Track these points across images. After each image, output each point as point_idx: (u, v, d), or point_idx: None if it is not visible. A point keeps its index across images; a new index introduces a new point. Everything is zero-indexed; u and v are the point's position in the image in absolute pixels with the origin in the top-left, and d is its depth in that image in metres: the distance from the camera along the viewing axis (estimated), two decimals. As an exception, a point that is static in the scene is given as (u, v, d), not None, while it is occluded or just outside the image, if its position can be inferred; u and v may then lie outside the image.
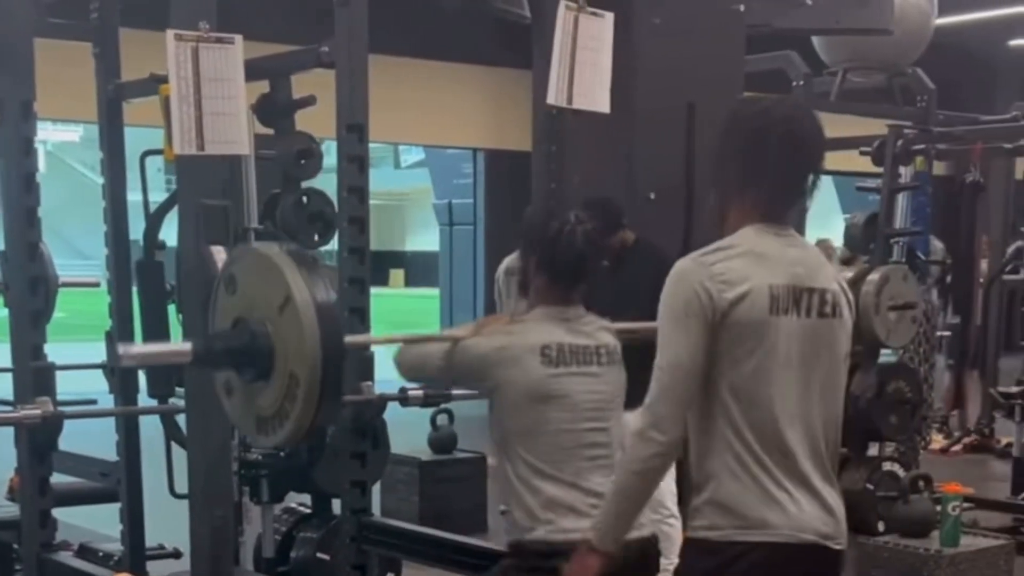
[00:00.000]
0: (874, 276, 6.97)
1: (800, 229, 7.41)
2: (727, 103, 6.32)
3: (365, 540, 4.58)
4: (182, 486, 4.17)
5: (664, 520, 6.04)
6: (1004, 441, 10.27)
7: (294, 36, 5.28)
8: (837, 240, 10.62)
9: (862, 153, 7.70)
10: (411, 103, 14.83)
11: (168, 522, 4.77)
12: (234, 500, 4.51)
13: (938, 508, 6.31)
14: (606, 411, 3.89)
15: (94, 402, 5.31)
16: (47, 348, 5.08)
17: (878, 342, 6.98)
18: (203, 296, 3.82)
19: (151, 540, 5.16)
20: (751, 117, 3.25)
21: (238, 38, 3.79)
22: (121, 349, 3.50)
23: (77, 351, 6.02)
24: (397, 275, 43.76)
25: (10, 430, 4.99)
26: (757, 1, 6.92)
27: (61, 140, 40.77)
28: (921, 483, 6.59)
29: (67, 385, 5.17)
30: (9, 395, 5.10)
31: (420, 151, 30.49)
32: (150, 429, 5.05)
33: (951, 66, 12.44)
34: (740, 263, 3.13)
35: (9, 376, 5.10)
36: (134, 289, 5.02)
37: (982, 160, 8.71)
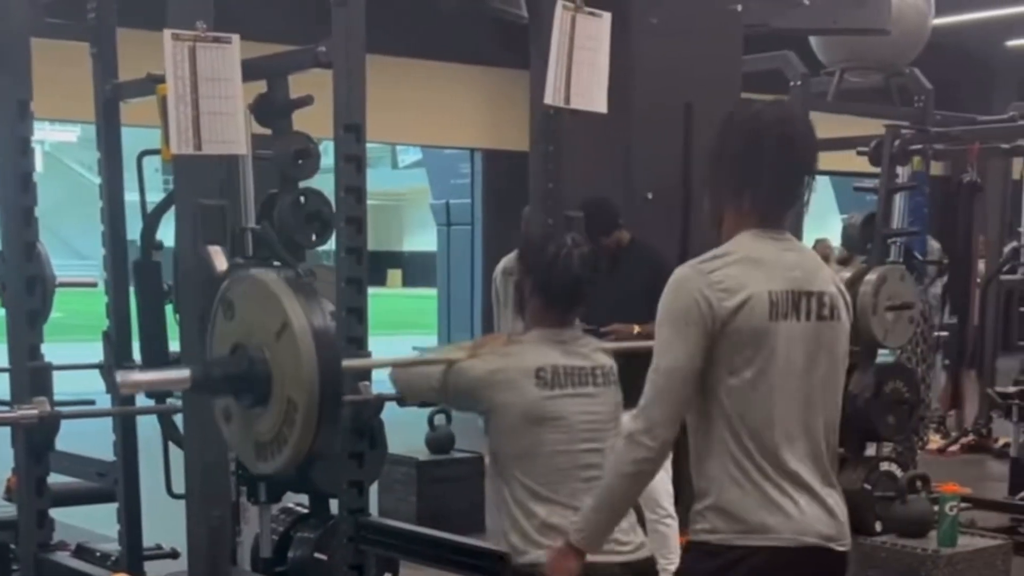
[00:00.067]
0: (871, 276, 6.97)
1: (797, 230, 7.45)
2: (725, 103, 6.34)
3: (363, 540, 4.58)
4: (179, 486, 4.16)
5: (661, 520, 6.05)
6: (1002, 441, 10.27)
7: (291, 36, 5.28)
8: (834, 240, 10.64)
9: (859, 153, 7.69)
10: (409, 103, 14.84)
11: (165, 522, 4.76)
12: (231, 500, 4.51)
13: (936, 508, 6.31)
14: (602, 432, 3.90)
15: (91, 402, 5.30)
16: (44, 348, 5.08)
17: (875, 342, 6.98)
18: (200, 296, 3.83)
19: (148, 540, 5.15)
20: (744, 121, 3.26)
21: (235, 38, 3.79)
22: (120, 377, 3.51)
23: (74, 351, 6.01)
24: (395, 275, 43.82)
25: (7, 430, 4.99)
26: (755, 1, 6.92)
27: (58, 140, 40.80)
28: (919, 483, 6.59)
29: (64, 385, 5.16)
30: (6, 395, 5.10)
31: (418, 151, 30.51)
32: (147, 429, 5.05)
33: (949, 66, 12.45)
34: (738, 270, 3.14)
35: (6, 376, 5.09)
36: (131, 289, 5.02)
37: (979, 160, 8.70)
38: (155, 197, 4.87)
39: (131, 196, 4.99)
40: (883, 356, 7.42)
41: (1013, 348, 9.58)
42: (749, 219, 3.23)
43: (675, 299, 3.15)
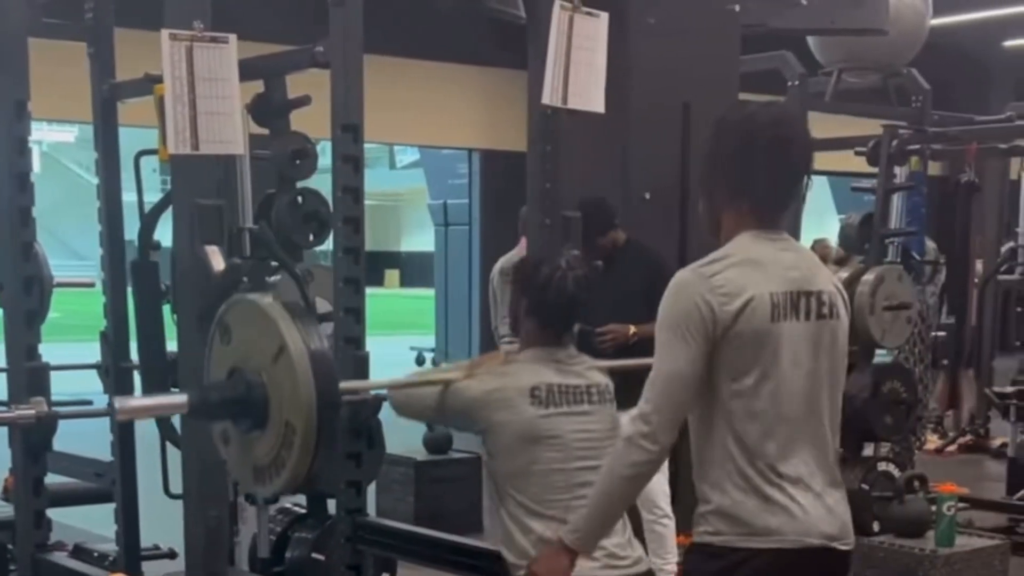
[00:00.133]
0: (869, 276, 6.97)
1: (795, 230, 7.44)
2: (722, 103, 6.34)
3: (360, 540, 4.58)
4: (177, 486, 4.16)
5: (658, 520, 6.06)
6: (999, 441, 10.27)
7: (289, 36, 5.28)
8: (832, 240, 10.63)
9: (857, 153, 7.70)
10: (406, 103, 14.83)
11: (163, 522, 4.76)
12: (229, 500, 4.51)
13: (933, 508, 6.32)
14: (598, 449, 3.90)
15: (89, 402, 5.30)
16: (42, 348, 5.08)
17: (873, 342, 6.98)
18: (198, 296, 3.82)
19: (146, 540, 5.14)
20: (739, 123, 3.25)
21: (232, 38, 3.79)
22: (117, 403, 3.51)
23: (72, 351, 6.00)
24: (392, 275, 43.82)
25: (4, 430, 4.99)
26: (752, 1, 6.92)
27: (56, 140, 40.79)
28: (916, 483, 6.59)
29: (62, 385, 5.16)
30: (3, 395, 5.10)
31: (415, 151, 30.46)
32: (145, 429, 5.04)
33: (946, 66, 12.46)
34: (738, 272, 3.13)
35: (3, 376, 5.09)
36: (129, 289, 5.01)
37: (977, 160, 8.71)
38: (153, 197, 4.86)
39: (129, 196, 4.99)
40: (880, 356, 7.43)
41: (1011, 348, 9.57)
42: (747, 221, 3.23)
43: (676, 303, 3.14)
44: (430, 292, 20.74)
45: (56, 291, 5.53)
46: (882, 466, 6.79)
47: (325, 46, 4.32)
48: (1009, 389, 8.42)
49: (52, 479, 5.16)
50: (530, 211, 4.63)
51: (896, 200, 7.44)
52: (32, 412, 4.84)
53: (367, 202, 4.59)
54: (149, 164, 4.80)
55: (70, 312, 13.43)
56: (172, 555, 5.30)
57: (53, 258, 5.53)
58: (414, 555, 4.63)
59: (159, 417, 4.89)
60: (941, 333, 9.02)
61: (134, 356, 5.01)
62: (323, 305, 4.45)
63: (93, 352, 5.20)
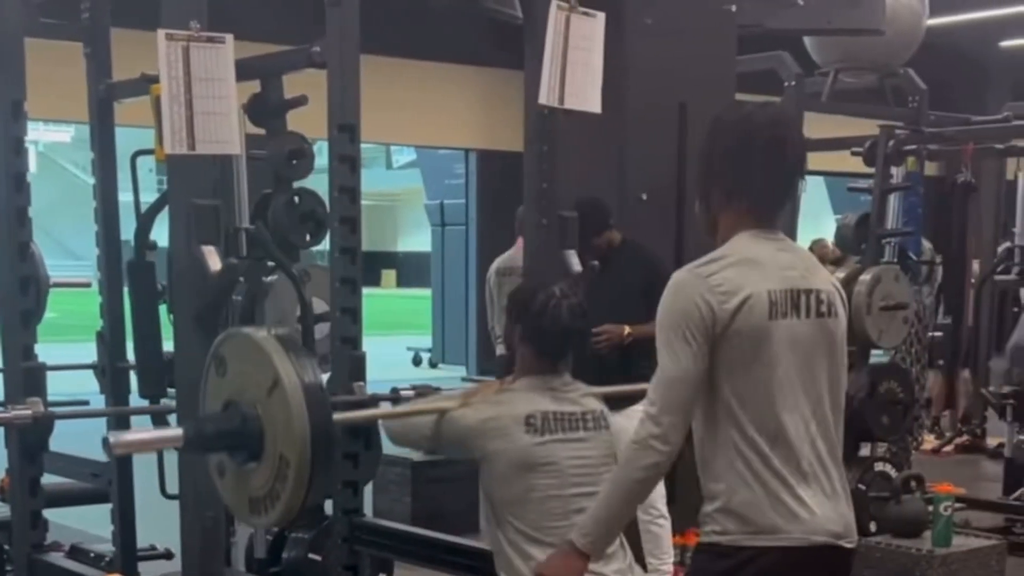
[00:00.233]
0: (866, 276, 6.98)
1: (792, 230, 7.43)
2: (719, 103, 6.34)
3: (357, 541, 4.58)
4: (173, 487, 4.16)
5: (654, 521, 6.05)
6: (996, 442, 10.28)
7: (285, 36, 5.29)
8: (830, 241, 10.62)
9: (854, 153, 7.70)
10: (403, 103, 14.83)
11: (159, 523, 4.76)
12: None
13: (930, 508, 6.32)
14: (594, 476, 3.92)
15: (85, 403, 5.30)
16: (38, 348, 5.08)
17: (870, 342, 6.99)
18: (195, 296, 3.82)
19: (142, 541, 5.15)
20: (734, 124, 3.26)
21: (229, 38, 3.79)
22: (112, 438, 3.50)
23: (68, 351, 6.01)
24: (389, 276, 43.79)
25: (1, 430, 4.99)
26: (749, 1, 6.92)
27: (52, 140, 40.78)
28: (913, 483, 6.60)
29: (58, 385, 5.16)
30: (0, 395, 5.10)
31: (412, 151, 30.48)
32: (141, 430, 5.04)
33: (943, 67, 12.46)
34: (736, 272, 3.14)
35: (0, 376, 5.09)
36: (125, 289, 5.01)
37: (973, 161, 8.71)
38: (149, 197, 4.86)
39: (125, 196, 4.99)
40: (877, 356, 7.43)
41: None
42: (744, 221, 3.24)
43: (674, 304, 3.15)
44: (427, 292, 20.74)
45: (52, 291, 5.51)
46: (879, 466, 6.80)
47: (322, 46, 4.32)
48: (1006, 389, 8.42)
49: (48, 479, 5.16)
50: (527, 211, 4.63)
51: (892, 200, 7.45)
52: (28, 412, 4.83)
53: (364, 202, 4.59)
54: (145, 164, 4.80)
55: (66, 312, 13.45)
56: (168, 556, 5.30)
57: (49, 258, 5.52)
58: (411, 556, 4.63)
59: (156, 417, 4.90)
60: (938, 333, 9.02)
61: (130, 356, 5.01)
62: (320, 305, 4.46)
63: (89, 352, 5.20)
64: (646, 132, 6.65)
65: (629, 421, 6.06)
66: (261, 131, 4.44)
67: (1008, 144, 8.74)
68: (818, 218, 22.56)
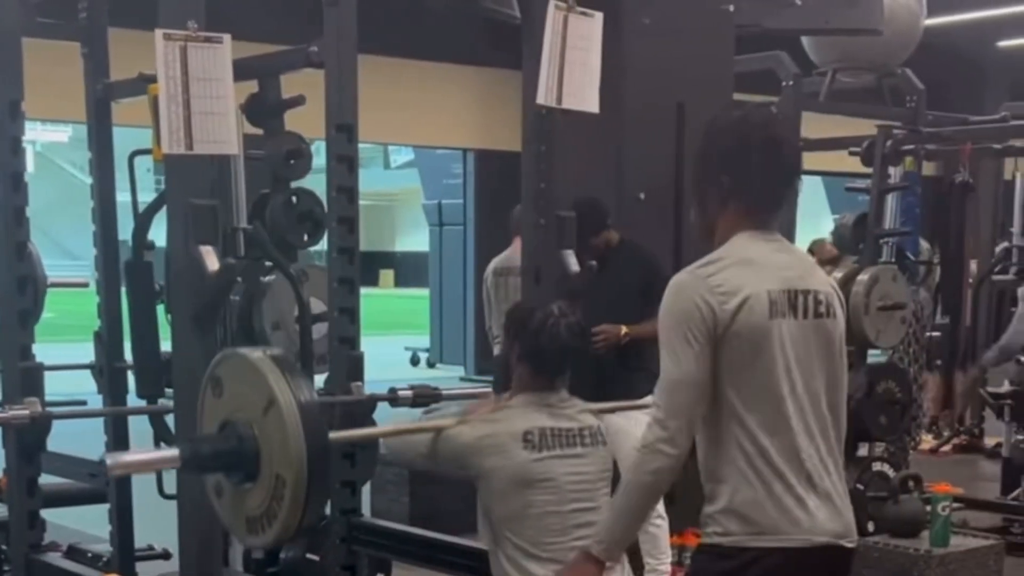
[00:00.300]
0: (863, 276, 6.98)
1: (790, 230, 7.42)
2: (717, 103, 6.34)
3: (355, 541, 4.57)
4: (171, 487, 4.15)
5: (651, 521, 6.05)
6: (993, 441, 10.28)
7: (283, 36, 5.28)
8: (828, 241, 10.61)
9: (851, 153, 7.71)
10: (401, 103, 14.83)
11: (157, 523, 4.76)
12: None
13: (928, 508, 6.32)
14: (591, 491, 3.94)
15: (83, 403, 5.29)
16: (35, 348, 5.08)
17: (868, 342, 6.99)
18: (192, 296, 3.82)
19: (140, 541, 5.15)
20: (729, 126, 3.27)
21: (227, 38, 3.78)
22: (109, 459, 3.51)
23: (66, 351, 6.00)
24: (387, 275, 43.75)
25: (-1, 431, 4.98)
26: (747, 1, 6.92)
27: (50, 140, 40.72)
28: (911, 483, 6.60)
29: (56, 385, 5.16)
30: (-3, 396, 5.09)
31: (410, 151, 30.49)
32: (139, 429, 5.04)
33: (940, 67, 12.46)
34: (735, 272, 3.15)
35: (-3, 376, 5.09)
36: (123, 289, 5.01)
37: (971, 160, 8.72)
38: (147, 197, 4.86)
39: (123, 196, 4.99)
40: (875, 356, 7.43)
41: (1005, 348, 9.56)
42: (742, 222, 3.24)
43: (675, 305, 3.15)
44: (425, 292, 20.73)
45: (50, 291, 5.52)
46: (877, 466, 6.80)
47: (319, 46, 4.32)
48: (1004, 389, 8.42)
49: (46, 479, 5.15)
50: (525, 211, 4.63)
51: (890, 200, 7.45)
52: (26, 412, 4.83)
53: (362, 202, 4.58)
54: (143, 164, 4.80)
55: (64, 312, 13.43)
56: (166, 556, 5.30)
57: (47, 258, 5.52)
58: (409, 555, 4.63)
59: (153, 417, 4.89)
60: (936, 333, 9.02)
61: (128, 356, 5.01)
62: (318, 305, 4.45)
63: (87, 352, 5.20)
64: (644, 132, 6.64)
65: (627, 421, 6.10)
66: (259, 131, 4.44)
67: (1006, 144, 8.75)
68: (816, 218, 22.56)
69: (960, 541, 6.40)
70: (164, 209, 4.07)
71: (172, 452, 3.48)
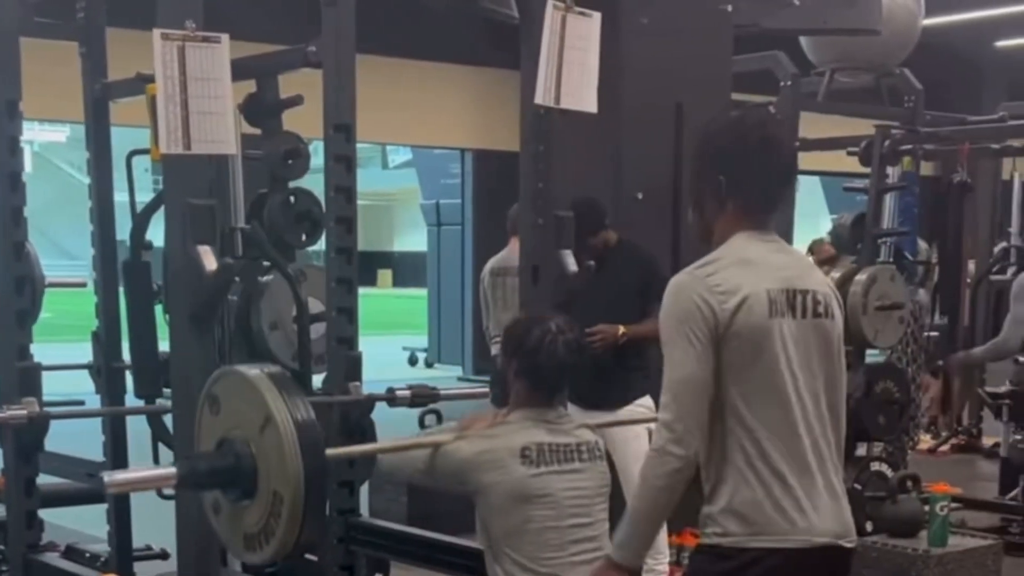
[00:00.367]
0: (862, 276, 6.98)
1: (788, 230, 7.41)
2: (715, 103, 6.34)
3: (353, 541, 4.57)
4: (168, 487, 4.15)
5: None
6: (991, 441, 10.28)
7: (281, 36, 5.27)
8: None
9: (849, 153, 7.70)
10: (399, 103, 14.82)
11: (155, 523, 4.75)
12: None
13: (926, 508, 6.32)
14: (589, 506, 3.96)
15: (81, 403, 5.29)
16: (33, 348, 5.07)
17: (866, 342, 6.99)
18: (190, 296, 3.82)
19: (138, 541, 5.14)
20: (725, 129, 3.28)
21: (225, 37, 3.78)
22: (106, 477, 3.51)
23: (64, 351, 6.00)
24: (385, 275, 43.74)
25: (-4, 430, 4.97)
26: (745, 1, 6.92)
27: (48, 140, 40.69)
28: (909, 483, 6.60)
29: (53, 385, 5.15)
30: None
31: (408, 151, 30.47)
32: (137, 430, 5.04)
33: (938, 67, 12.47)
34: (733, 272, 3.16)
35: (-5, 376, 5.08)
36: (121, 289, 5.01)
37: (969, 160, 8.72)
38: (145, 197, 4.86)
39: (121, 196, 4.98)
40: (873, 356, 7.43)
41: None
42: (739, 223, 3.25)
43: (675, 306, 3.15)
44: (423, 292, 20.73)
45: (48, 291, 5.51)
46: (875, 466, 6.79)
47: (317, 46, 4.32)
48: (1002, 389, 8.42)
49: (44, 479, 5.15)
50: (523, 211, 4.63)
51: (888, 200, 7.45)
52: (24, 412, 4.83)
53: (360, 202, 4.58)
54: (141, 164, 4.80)
55: (62, 312, 13.42)
56: (164, 556, 5.29)
57: (45, 258, 5.52)
58: (407, 555, 4.62)
59: (151, 417, 4.89)
60: (934, 333, 9.02)
61: (126, 356, 5.01)
62: (316, 305, 4.45)
63: (85, 352, 5.20)
64: (642, 132, 6.64)
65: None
66: (257, 131, 4.43)
67: (1004, 144, 8.75)
68: (814, 218, 22.57)
69: (958, 541, 6.40)
70: (162, 209, 4.06)
71: (169, 470, 3.50)
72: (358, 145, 4.54)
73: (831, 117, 9.26)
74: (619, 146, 6.66)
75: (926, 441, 10.80)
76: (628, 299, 6.09)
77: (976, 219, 10.11)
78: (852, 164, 7.80)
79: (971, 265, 9.84)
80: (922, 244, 9.41)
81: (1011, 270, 8.92)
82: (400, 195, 40.17)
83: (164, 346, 4.31)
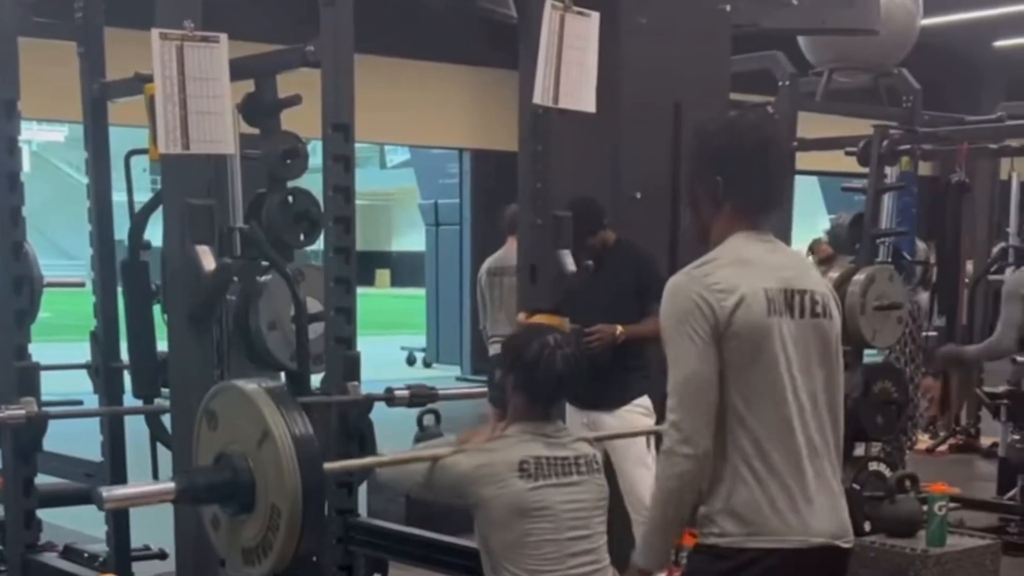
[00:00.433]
0: (860, 276, 6.97)
1: (786, 230, 7.41)
2: (713, 103, 6.34)
3: (352, 541, 4.57)
4: (167, 486, 4.15)
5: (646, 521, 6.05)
6: (990, 441, 10.28)
7: (279, 35, 5.27)
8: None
9: (848, 153, 7.69)
10: (397, 103, 14.82)
11: (153, 523, 4.75)
12: (219, 501, 4.50)
13: (924, 508, 6.32)
14: (588, 519, 3.96)
15: (79, 402, 5.29)
16: (32, 348, 5.07)
17: (864, 342, 6.98)
18: (189, 296, 3.82)
19: (136, 541, 5.14)
20: (719, 131, 3.30)
21: (223, 37, 3.78)
22: (104, 493, 3.51)
23: (62, 351, 6.00)
24: (383, 275, 43.74)
25: (-6, 430, 4.97)
26: (743, 1, 6.92)
27: (46, 140, 40.69)
28: (907, 483, 6.60)
29: (52, 385, 5.15)
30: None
31: (406, 151, 30.48)
32: (135, 429, 5.03)
33: (936, 67, 12.47)
34: (730, 272, 3.16)
35: (-6, 376, 5.08)
36: (119, 289, 5.01)
37: (967, 160, 8.71)
38: (143, 197, 4.86)
39: (119, 196, 4.99)
40: (871, 356, 7.43)
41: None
42: (736, 223, 3.26)
43: (674, 305, 3.15)
44: (421, 292, 20.73)
45: (46, 291, 5.52)
46: (873, 466, 6.79)
47: (316, 46, 4.32)
48: (1000, 389, 8.42)
49: (42, 479, 5.15)
50: (521, 211, 4.63)
51: (886, 200, 7.44)
52: (22, 412, 4.83)
53: (358, 202, 4.58)
54: (139, 164, 4.80)
55: (60, 312, 13.43)
56: (162, 556, 5.29)
57: (43, 258, 5.52)
58: (405, 555, 4.62)
59: (149, 417, 4.89)
60: (932, 333, 9.02)
61: (124, 356, 5.01)
62: (314, 305, 4.45)
63: (83, 352, 5.19)
64: (640, 132, 6.63)
65: (622, 423, 6.09)
66: (255, 131, 4.43)
67: (1002, 144, 8.74)
68: (812, 218, 22.56)
69: (956, 541, 6.40)
70: (160, 209, 4.06)
71: (167, 485, 3.51)
72: (356, 145, 4.55)
73: (829, 117, 9.26)
74: (617, 146, 6.64)
75: (924, 441, 10.81)
76: (626, 299, 6.09)
77: (974, 219, 10.10)
78: (850, 164, 7.80)
79: (969, 265, 9.83)
80: (920, 244, 9.41)
81: (1009, 270, 8.89)
82: (398, 195, 40.17)
83: (162, 346, 4.31)
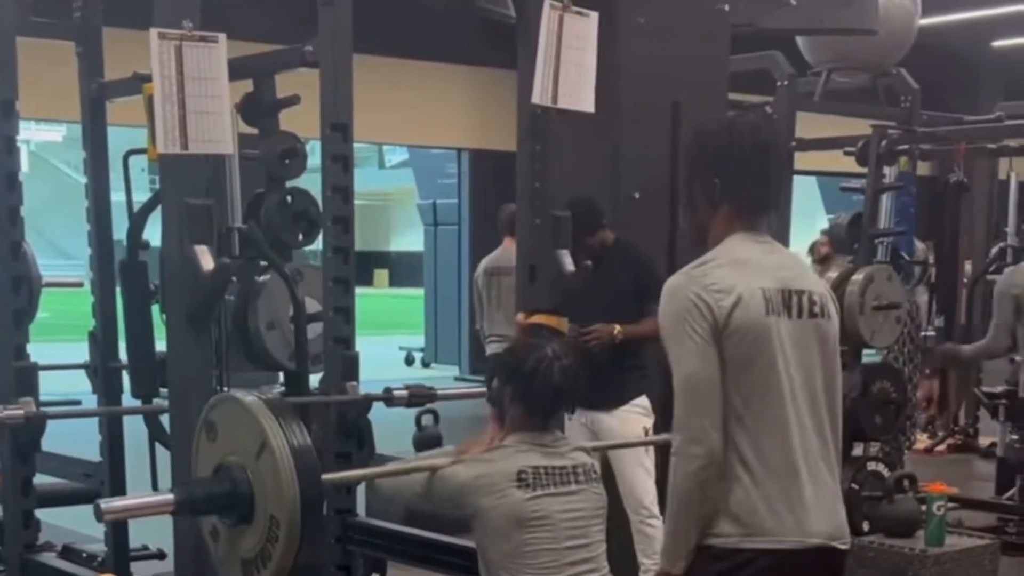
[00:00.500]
0: (858, 276, 6.97)
1: (785, 231, 7.40)
2: (712, 103, 6.34)
3: (350, 541, 4.57)
4: (166, 486, 4.14)
5: (644, 521, 6.06)
6: (988, 441, 10.28)
7: (278, 35, 5.27)
8: (823, 240, 10.59)
9: (846, 153, 7.69)
10: (396, 103, 14.82)
11: (152, 523, 4.74)
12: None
13: (923, 508, 6.32)
14: (586, 528, 3.96)
15: (78, 402, 5.29)
16: (30, 348, 5.07)
17: (862, 342, 6.98)
18: (187, 296, 3.82)
19: (135, 541, 5.14)
20: (716, 133, 3.30)
21: (222, 37, 3.78)
22: (103, 505, 3.52)
23: (60, 351, 5.99)
24: (382, 275, 43.74)
25: (-8, 430, 4.97)
26: (742, 1, 6.91)
27: (44, 140, 40.69)
28: (906, 483, 6.60)
29: (50, 385, 5.15)
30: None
31: (404, 151, 30.48)
32: (134, 429, 5.03)
33: (935, 66, 12.47)
34: (728, 272, 3.17)
35: (-8, 376, 5.08)
36: (118, 289, 5.00)
37: (966, 160, 8.71)
38: (141, 197, 4.86)
39: (117, 196, 4.98)
40: (869, 356, 7.43)
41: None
42: (733, 224, 3.27)
43: (673, 307, 3.16)
44: (419, 292, 20.74)
45: (44, 291, 5.51)
46: (872, 466, 6.79)
47: (314, 45, 4.32)
48: (998, 389, 8.42)
49: (41, 479, 5.15)
50: (520, 211, 4.63)
51: (885, 200, 7.44)
52: (20, 412, 4.82)
53: (356, 201, 4.58)
54: (138, 163, 4.80)
55: (59, 312, 13.41)
56: (161, 556, 5.29)
57: (41, 258, 5.52)
58: (404, 555, 4.62)
59: (148, 417, 4.89)
60: (931, 333, 9.01)
61: (123, 356, 5.00)
62: (313, 305, 4.45)
63: (82, 352, 5.19)
64: (639, 131, 6.63)
65: (620, 423, 6.08)
66: (254, 130, 4.43)
67: (1000, 144, 8.74)
68: (811, 218, 22.56)
69: (955, 541, 6.40)
70: (159, 209, 4.06)
71: (166, 496, 3.52)
72: (355, 144, 4.55)
73: (828, 117, 9.26)
74: (616, 146, 6.64)
75: (923, 441, 10.81)
76: (625, 299, 6.09)
77: (973, 219, 10.10)
78: (849, 164, 7.80)
79: (968, 265, 9.83)
80: (919, 244, 9.41)
81: (1007, 270, 8.90)
82: (397, 195, 40.18)
83: (161, 346, 4.31)
